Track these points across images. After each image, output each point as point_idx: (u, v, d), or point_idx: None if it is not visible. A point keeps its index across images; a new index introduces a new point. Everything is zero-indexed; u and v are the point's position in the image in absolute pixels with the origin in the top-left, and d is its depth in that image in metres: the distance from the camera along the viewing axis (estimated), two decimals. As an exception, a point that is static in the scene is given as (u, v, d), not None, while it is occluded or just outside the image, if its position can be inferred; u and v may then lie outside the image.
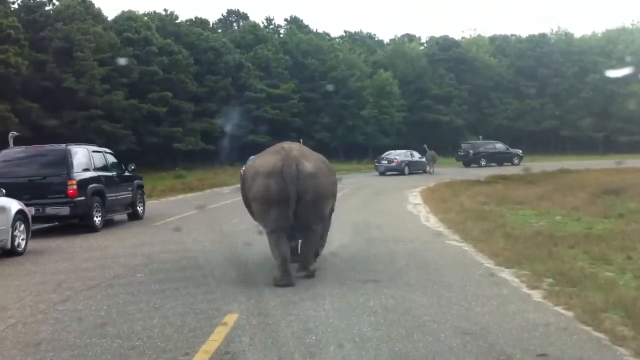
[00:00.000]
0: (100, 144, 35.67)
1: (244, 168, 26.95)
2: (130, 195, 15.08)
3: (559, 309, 6.07)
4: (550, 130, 60.38)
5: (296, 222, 7.54)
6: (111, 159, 15.24)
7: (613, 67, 57.15)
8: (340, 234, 11.71)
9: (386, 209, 17.12)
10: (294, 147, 8.03)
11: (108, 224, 14.32)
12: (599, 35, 65.53)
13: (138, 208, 15.43)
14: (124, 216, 15.43)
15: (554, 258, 8.64)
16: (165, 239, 11.70)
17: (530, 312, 6.03)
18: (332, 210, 8.76)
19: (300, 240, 8.23)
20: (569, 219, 14.33)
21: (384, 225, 13.17)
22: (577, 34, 66.67)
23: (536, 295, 6.67)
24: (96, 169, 14.03)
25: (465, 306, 6.24)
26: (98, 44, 38.12)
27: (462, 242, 10.64)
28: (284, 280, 7.40)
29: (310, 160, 7.86)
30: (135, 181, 15.71)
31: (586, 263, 8.48)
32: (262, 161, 7.90)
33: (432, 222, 14.05)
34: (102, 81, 37.36)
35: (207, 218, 15.47)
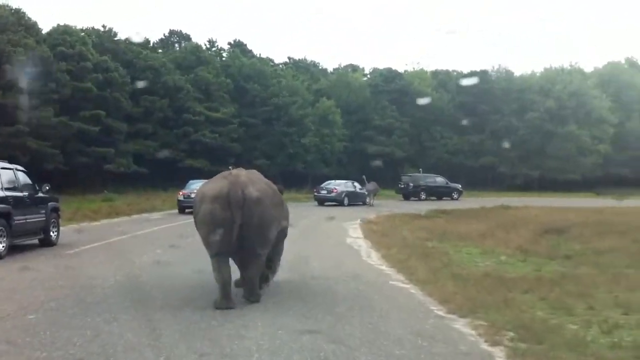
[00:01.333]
0: (25, 162, 34.22)
1: (182, 192, 25.98)
2: (43, 219, 13.46)
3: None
4: (488, 166, 60.87)
5: (241, 247, 7.67)
6: (23, 177, 13.60)
7: (551, 106, 58.27)
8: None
9: (325, 242, 16.15)
10: (242, 173, 8.17)
11: (15, 250, 12.70)
12: (537, 74, 66.90)
13: (51, 233, 13.85)
14: (35, 241, 13.78)
15: (510, 306, 7.82)
16: (74, 272, 10.28)
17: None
18: (284, 235, 8.95)
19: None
20: (514, 259, 13.78)
21: (323, 261, 12.18)
22: (517, 73, 67.89)
23: (499, 354, 5.75)
24: (4, 189, 12.46)
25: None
26: (29, 57, 36.15)
27: (408, 284, 9.70)
28: (224, 304, 7.53)
29: (256, 185, 7.99)
30: (50, 203, 14.06)
31: (546, 313, 7.68)
32: (210, 186, 8.01)
33: (374, 258, 13.11)
34: (30, 96, 35.33)
35: (127, 247, 14.05)
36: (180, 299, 7.92)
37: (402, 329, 6.61)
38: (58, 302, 7.65)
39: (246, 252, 7.85)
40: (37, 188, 13.70)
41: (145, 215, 24.68)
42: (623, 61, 70.15)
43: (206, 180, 9.08)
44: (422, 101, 55.51)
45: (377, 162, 49.39)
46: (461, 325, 6.87)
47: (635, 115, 60.89)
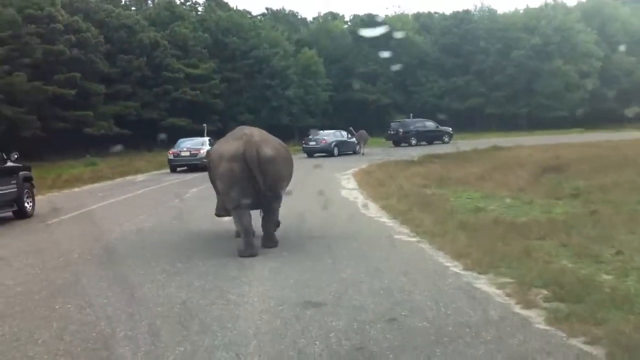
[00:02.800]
0: (1, 130, 33.12)
1: (171, 151, 25.27)
2: (15, 189, 12.37)
3: (579, 343, 4.37)
4: (475, 108, 59.91)
5: (257, 201, 8.35)
6: (-13, 146, 12.53)
7: (536, 43, 57.16)
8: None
9: (319, 196, 15.26)
10: (255, 133, 8.72)
11: (-14, 224, 11.78)
12: (521, 12, 65.57)
13: (26, 204, 12.84)
14: (10, 214, 12.73)
15: (531, 256, 7.04)
16: (46, 248, 9.25)
17: (546, 351, 4.30)
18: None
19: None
20: (519, 201, 13.02)
21: (319, 217, 11.35)
22: (500, 11, 66.55)
23: (537, 319, 4.95)
24: (-34, 159, 11.39)
25: (452, 347, 4.44)
26: (-5, 21, 34.61)
27: (414, 237, 8.89)
28: (247, 251, 8.06)
29: (269, 145, 8.58)
30: (21, 172, 12.93)
31: (572, 262, 6.91)
32: (226, 146, 8.58)
33: (373, 210, 12.29)
34: (1, 62, 33.88)
35: (108, 214, 13.06)
36: (163, 274, 7.07)
37: (418, 294, 5.79)
38: (25, 286, 6.70)
39: (262, 206, 8.57)
40: (5, 157, 12.63)
41: (128, 178, 23.67)
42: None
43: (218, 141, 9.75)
44: (395, 67, 54.87)
45: (364, 111, 48.73)
46: (484, 283, 6.07)
47: (620, 48, 59.87)
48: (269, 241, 8.65)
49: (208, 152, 10.37)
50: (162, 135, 33.11)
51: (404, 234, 9.25)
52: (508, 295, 5.61)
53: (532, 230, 9.04)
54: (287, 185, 9.07)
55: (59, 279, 7.00)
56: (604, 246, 7.59)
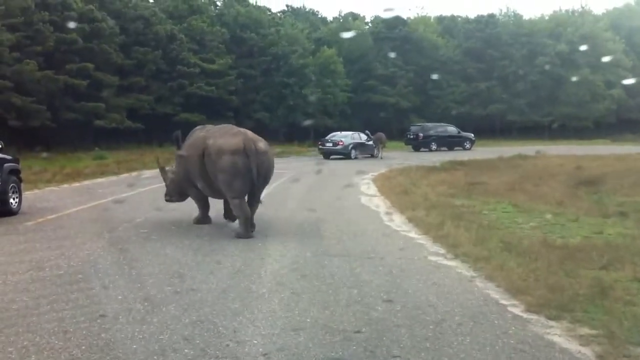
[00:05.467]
0: (9, 119, 32.05)
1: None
2: None
3: None
4: (496, 114, 58.17)
5: (252, 190, 9.55)
6: (-32, 135, 11.20)
7: (562, 50, 55.45)
8: (282, 242, 8.57)
9: (337, 203, 13.95)
10: (247, 130, 10.02)
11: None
12: (547, 18, 63.86)
13: (11, 200, 11.51)
14: None
15: (607, 295, 5.66)
16: (20, 256, 7.84)
17: None
18: None
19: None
20: (562, 218, 11.65)
21: (338, 229, 10.03)
22: (526, 16, 64.90)
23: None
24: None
25: None
26: (8, 8, 33.49)
27: (453, 260, 7.53)
28: (247, 234, 9.26)
29: (262, 141, 9.80)
30: (6, 165, 11.57)
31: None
32: (225, 141, 9.45)
33: (398, 222, 10.90)
34: (11, 49, 32.82)
35: (101, 215, 11.75)
36: (148, 302, 5.76)
37: (477, 350, 4.43)
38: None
39: (251, 194, 9.63)
40: (-12, 147, 11.32)
41: (135, 174, 22.39)
42: (633, 2, 66.92)
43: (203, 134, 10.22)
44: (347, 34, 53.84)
45: (382, 114, 47.43)
46: (560, 336, 4.68)
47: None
48: (251, 225, 9.53)
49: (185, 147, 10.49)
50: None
51: (439, 255, 7.87)
52: (600, 357, 4.23)
53: (591, 256, 7.66)
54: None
55: (26, 297, 5.66)
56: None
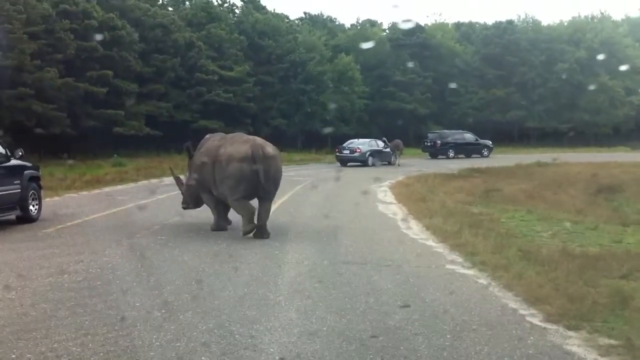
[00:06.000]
0: (30, 126, 32.39)
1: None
2: (18, 190, 11.13)
3: None
4: (515, 121, 57.69)
5: (262, 194, 10.05)
6: (-13, 142, 11.21)
7: (582, 56, 55.04)
8: (299, 250, 8.60)
9: (354, 210, 13.95)
10: (256, 137, 10.82)
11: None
12: (566, 24, 63.42)
13: (31, 207, 11.62)
14: (13, 217, 11.49)
15: (627, 305, 5.60)
16: (32, 266, 7.77)
17: None
18: None
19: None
20: (582, 226, 11.58)
21: (355, 236, 10.03)
22: (545, 22, 64.49)
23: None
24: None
25: None
26: (29, 16, 33.88)
27: (471, 268, 7.49)
28: (250, 228, 9.85)
29: (270, 146, 10.37)
30: (26, 172, 11.72)
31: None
32: (235, 148, 10.10)
33: (416, 230, 10.89)
34: (32, 57, 33.20)
35: (123, 221, 11.88)
36: (166, 308, 5.78)
37: (494, 359, 4.41)
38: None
39: (263, 197, 10.13)
40: (9, 154, 11.41)
41: (154, 181, 22.57)
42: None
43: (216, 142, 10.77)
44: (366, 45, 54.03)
45: (399, 121, 47.30)
46: (579, 346, 4.64)
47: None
48: (264, 232, 9.92)
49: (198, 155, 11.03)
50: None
51: (457, 263, 7.84)
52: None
53: (611, 265, 7.61)
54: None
55: (34, 312, 5.67)
56: None
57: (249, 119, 46.15)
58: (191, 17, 48.86)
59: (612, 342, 4.67)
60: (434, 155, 40.01)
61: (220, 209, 10.84)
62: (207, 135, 11.49)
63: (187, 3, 56.48)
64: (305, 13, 66.79)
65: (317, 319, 5.42)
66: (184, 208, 11.46)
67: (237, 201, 9.99)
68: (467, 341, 4.82)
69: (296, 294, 6.35)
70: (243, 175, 9.80)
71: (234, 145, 10.20)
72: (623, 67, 53.89)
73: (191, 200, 11.27)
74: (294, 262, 8.02)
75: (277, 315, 5.57)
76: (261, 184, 9.78)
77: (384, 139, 35.47)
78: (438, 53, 58.95)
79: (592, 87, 52.25)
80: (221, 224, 10.80)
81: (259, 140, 10.41)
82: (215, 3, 53.83)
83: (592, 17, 62.01)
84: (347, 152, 33.43)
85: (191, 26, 47.20)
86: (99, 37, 35.67)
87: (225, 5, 55.52)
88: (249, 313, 5.64)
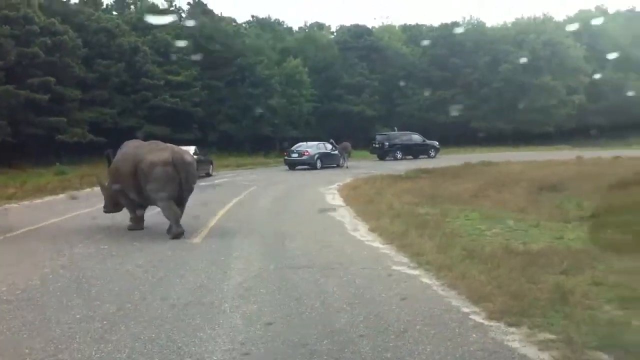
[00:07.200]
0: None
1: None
2: None
3: None
4: (460, 121, 58.41)
5: (179, 199, 10.88)
6: None
7: (525, 57, 56.27)
8: (246, 256, 8.52)
9: (302, 213, 13.96)
10: (172, 145, 11.63)
11: None
12: (509, 25, 64.82)
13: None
14: None
15: (567, 300, 5.72)
16: None
17: None
18: None
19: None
20: (524, 224, 11.78)
21: (303, 239, 10.01)
22: (489, 24, 65.79)
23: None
24: None
25: None
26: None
27: (416, 269, 7.56)
28: (178, 231, 10.52)
29: (187, 153, 11.58)
30: None
31: (615, 306, 5.61)
32: (157, 155, 10.79)
33: (363, 232, 10.93)
34: (-30, 64, 32.27)
35: (64, 231, 11.51)
36: (107, 320, 5.65)
37: (437, 358, 4.44)
38: None
39: (179, 201, 10.90)
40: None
41: (97, 189, 22.04)
42: (593, 9, 68.43)
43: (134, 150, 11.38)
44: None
45: (348, 123, 47.41)
46: (519, 341, 4.72)
47: (608, 64, 59.09)
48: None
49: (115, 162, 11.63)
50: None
51: (403, 264, 7.89)
52: (555, 362, 4.28)
53: (552, 261, 7.77)
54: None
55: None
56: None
57: (196, 123, 45.73)
58: (136, 22, 48.10)
59: (552, 336, 4.76)
60: (382, 157, 40.27)
61: (139, 212, 11.67)
62: (125, 143, 12.12)
63: (132, 7, 55.68)
64: (252, 16, 66.48)
65: (262, 325, 5.37)
66: (105, 212, 12.05)
67: (167, 202, 10.63)
68: (410, 341, 4.85)
69: (242, 300, 6.29)
70: (168, 177, 10.56)
71: (153, 152, 10.87)
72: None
73: (110, 204, 11.92)
74: (240, 267, 7.94)
75: (221, 323, 5.50)
76: (181, 188, 10.66)
77: (332, 141, 35.57)
78: (385, 55, 59.45)
79: (534, 87, 53.49)
80: (137, 224, 11.60)
81: (176, 148, 11.31)
82: (161, 7, 53.16)
83: (535, 19, 63.49)
84: (296, 155, 33.39)
85: (136, 30, 46.49)
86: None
87: (172, 9, 54.85)
88: (193, 321, 5.56)
